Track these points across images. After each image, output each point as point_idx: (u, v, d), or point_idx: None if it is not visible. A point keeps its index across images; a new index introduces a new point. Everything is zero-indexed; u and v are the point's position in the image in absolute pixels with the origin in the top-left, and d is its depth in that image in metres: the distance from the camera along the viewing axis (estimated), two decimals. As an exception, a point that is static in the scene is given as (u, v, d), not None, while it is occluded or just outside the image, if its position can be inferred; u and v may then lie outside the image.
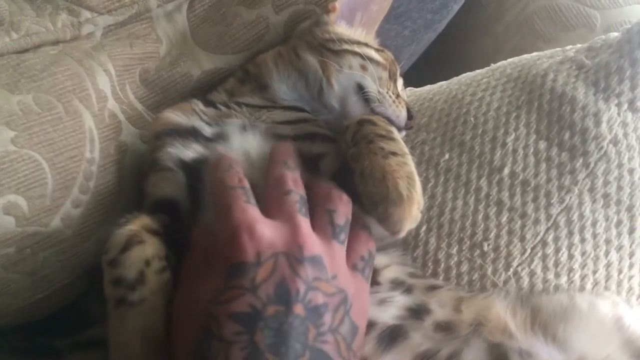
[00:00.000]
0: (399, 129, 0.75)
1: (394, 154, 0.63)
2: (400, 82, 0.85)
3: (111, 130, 0.77)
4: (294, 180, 0.61)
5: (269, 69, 0.79)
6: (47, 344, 0.68)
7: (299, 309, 0.51)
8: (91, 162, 0.73)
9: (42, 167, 0.69)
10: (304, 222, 0.57)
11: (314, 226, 0.58)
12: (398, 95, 0.76)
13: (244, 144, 0.71)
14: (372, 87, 0.75)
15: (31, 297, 0.70)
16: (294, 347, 0.49)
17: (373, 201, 0.60)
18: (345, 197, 0.62)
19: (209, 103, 0.77)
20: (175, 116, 0.74)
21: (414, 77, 1.07)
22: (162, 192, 0.69)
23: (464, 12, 1.29)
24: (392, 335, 0.63)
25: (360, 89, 0.75)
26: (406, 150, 0.66)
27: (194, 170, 0.69)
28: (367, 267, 0.61)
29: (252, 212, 0.56)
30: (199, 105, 0.76)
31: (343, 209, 0.61)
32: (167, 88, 0.84)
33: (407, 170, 0.62)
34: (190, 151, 0.71)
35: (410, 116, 0.76)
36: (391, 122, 0.73)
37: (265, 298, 0.51)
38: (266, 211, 0.58)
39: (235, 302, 0.51)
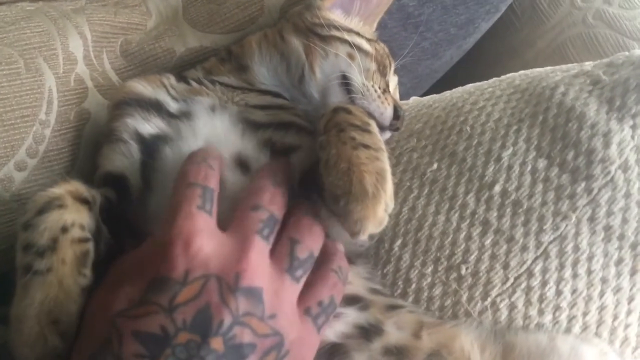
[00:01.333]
0: (383, 128, 0.68)
1: (366, 146, 0.56)
2: (394, 79, 0.78)
3: (75, 95, 0.72)
4: (271, 195, 0.54)
5: (252, 49, 0.73)
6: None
7: (216, 343, 0.44)
8: (45, 125, 0.68)
9: (-13, 121, 0.64)
10: (258, 246, 0.50)
11: (272, 253, 0.52)
12: (385, 91, 0.69)
13: (208, 125, 0.65)
14: (356, 78, 0.68)
15: (-43, 262, 0.64)
16: None
17: (334, 194, 0.53)
18: (316, 229, 0.55)
19: (181, 78, 0.71)
20: (139, 86, 0.68)
21: None
22: (112, 166, 0.64)
23: (495, 34, 1.23)
24: (331, 354, 0.55)
25: (344, 79, 0.68)
26: (382, 145, 0.58)
27: (150, 147, 0.63)
28: (323, 315, 0.53)
29: (198, 221, 0.49)
30: (170, 79, 0.71)
31: (309, 241, 0.54)
32: (147, 62, 0.79)
33: (377, 165, 0.54)
34: (149, 125, 0.65)
35: (397, 116, 0.68)
36: (373, 118, 0.66)
37: (180, 322, 0.45)
38: (228, 221, 0.52)
39: (146, 319, 0.45)
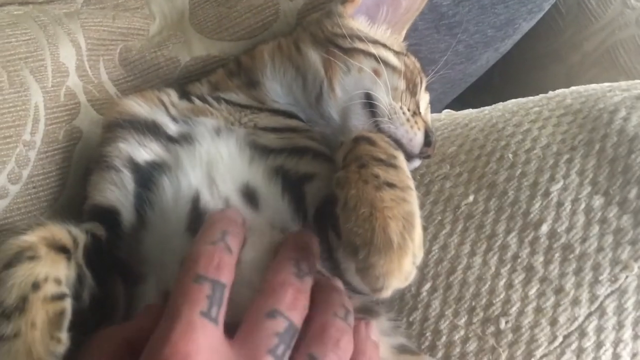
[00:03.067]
0: (411, 157, 0.60)
1: (391, 185, 0.48)
2: (425, 97, 0.69)
3: (65, 112, 0.65)
4: (294, 294, 0.47)
5: (263, 61, 0.66)
6: None
7: None
8: (29, 146, 0.61)
9: (-37, 144, 0.57)
10: None
11: None
12: (415, 113, 0.60)
13: (211, 151, 0.58)
14: (382, 98, 0.59)
15: None
16: None
17: (354, 244, 0.45)
18: (344, 343, 0.47)
19: (184, 94, 0.64)
20: (135, 105, 0.61)
21: (472, 106, 0.92)
22: (102, 197, 0.57)
23: (536, 35, 1.14)
24: None
25: (368, 98, 0.60)
26: (410, 183, 0.50)
27: (145, 176, 0.57)
28: None
29: (199, 336, 0.42)
30: (171, 95, 0.63)
31: (333, 358, 0.46)
32: (149, 72, 0.72)
33: (405, 209, 0.46)
34: (145, 151, 0.58)
35: (428, 142, 0.60)
36: (400, 145, 0.58)
37: None
38: (239, 325, 0.46)
39: None
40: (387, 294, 0.45)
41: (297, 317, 0.46)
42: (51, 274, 0.46)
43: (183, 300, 0.43)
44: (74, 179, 0.65)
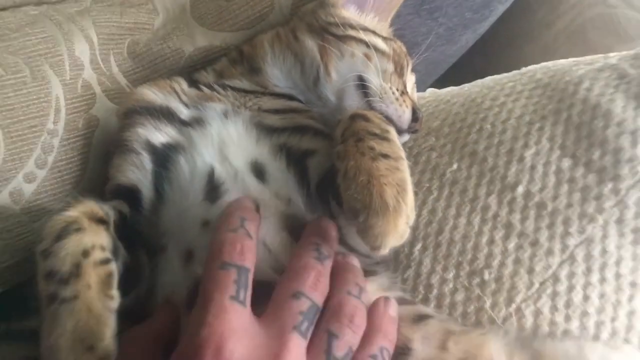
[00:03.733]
0: (401, 131, 0.66)
1: (385, 156, 0.54)
2: (411, 78, 0.76)
3: (82, 102, 0.70)
4: (315, 276, 0.52)
5: (264, 50, 0.71)
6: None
7: None
8: (53, 134, 0.67)
9: (-6, 134, 0.63)
10: (295, 347, 0.48)
11: (309, 345, 0.49)
12: (403, 92, 0.67)
13: (221, 132, 0.64)
14: (374, 80, 0.66)
15: (-33, 276, 0.64)
16: None
17: (354, 208, 0.51)
18: (357, 319, 0.52)
19: (192, 82, 0.70)
20: (150, 93, 0.66)
21: (452, 84, 0.98)
22: (125, 178, 0.62)
23: (511, 16, 1.20)
24: None
25: (361, 80, 0.66)
26: (402, 154, 0.56)
27: (162, 156, 0.62)
28: None
29: (231, 318, 0.47)
30: (181, 84, 0.69)
31: (349, 335, 0.51)
32: (156, 63, 0.78)
33: (398, 176, 0.53)
34: (161, 134, 0.64)
35: (415, 118, 0.66)
36: (391, 121, 0.64)
37: None
38: (265, 304, 0.50)
39: None
40: (385, 251, 0.51)
41: (318, 297, 0.51)
42: (97, 242, 0.52)
43: (213, 287, 0.48)
44: (93, 163, 0.70)
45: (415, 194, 0.67)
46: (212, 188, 0.60)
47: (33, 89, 0.66)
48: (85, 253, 0.50)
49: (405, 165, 0.55)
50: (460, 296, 0.63)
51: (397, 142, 0.58)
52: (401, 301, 0.61)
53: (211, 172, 0.60)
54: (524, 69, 0.76)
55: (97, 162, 0.70)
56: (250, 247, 0.51)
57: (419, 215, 0.67)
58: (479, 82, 0.79)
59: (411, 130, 0.67)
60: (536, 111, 0.67)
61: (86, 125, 0.70)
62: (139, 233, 0.60)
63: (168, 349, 0.49)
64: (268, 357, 0.46)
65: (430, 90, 0.88)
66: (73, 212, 0.53)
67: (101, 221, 0.54)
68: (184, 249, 0.58)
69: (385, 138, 0.57)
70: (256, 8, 0.78)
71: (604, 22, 1.07)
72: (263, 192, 0.60)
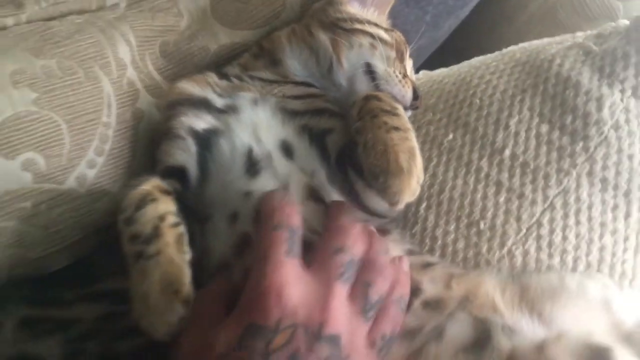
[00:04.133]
0: (405, 108, 0.77)
1: (397, 128, 0.65)
2: (409, 63, 0.87)
3: (128, 97, 0.80)
4: (354, 236, 0.60)
5: (282, 45, 0.82)
6: (56, 294, 0.73)
7: None
8: (107, 126, 0.77)
9: (60, 128, 0.73)
10: (339, 293, 0.56)
11: (348, 294, 0.58)
12: (405, 75, 0.78)
13: (253, 117, 0.74)
14: (380, 66, 0.77)
15: (44, 250, 0.74)
16: None
17: (374, 173, 0.62)
18: (387, 271, 0.61)
19: (222, 76, 0.80)
20: (189, 87, 0.77)
21: (437, 67, 1.08)
22: (173, 159, 0.72)
23: (490, 1, 1.30)
24: None
25: (368, 67, 0.77)
26: (409, 126, 0.67)
27: (204, 140, 0.72)
28: (385, 347, 0.59)
29: (287, 270, 0.55)
30: (213, 77, 0.79)
31: (381, 284, 0.59)
32: (185, 60, 0.87)
33: (408, 145, 0.64)
34: (201, 121, 0.74)
35: (415, 96, 0.77)
36: (396, 100, 0.75)
37: None
38: (312, 259, 0.58)
39: None
40: (401, 206, 0.62)
41: (357, 252, 0.59)
42: (168, 209, 0.63)
43: (269, 245, 0.56)
44: (141, 150, 0.80)
45: (419, 160, 0.80)
46: (251, 164, 0.70)
47: (88, 87, 0.76)
48: (161, 218, 0.61)
49: (413, 136, 0.66)
50: (460, 244, 0.74)
51: (405, 117, 0.69)
52: (410, 252, 0.72)
53: (249, 151, 0.70)
54: (504, 50, 0.87)
55: (143, 149, 0.81)
56: (296, 212, 0.60)
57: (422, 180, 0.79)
58: (465, 63, 0.90)
59: (413, 107, 0.78)
60: (517, 86, 0.79)
61: (133, 117, 0.80)
62: (187, 207, 0.70)
63: (228, 307, 0.57)
64: (318, 301, 0.54)
65: (422, 72, 0.99)
66: (147, 186, 0.64)
67: (167, 192, 0.65)
68: (229, 213, 0.68)
69: (395, 114, 0.68)
70: (270, 7, 0.88)
71: (572, 3, 1.18)
72: (291, 168, 0.70)
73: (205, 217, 0.70)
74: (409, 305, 0.63)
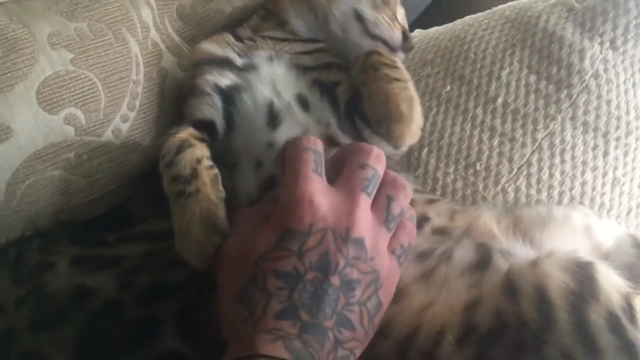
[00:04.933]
0: (395, 49, 0.84)
1: (397, 79, 0.73)
2: (400, 10, 0.93)
3: (154, 57, 0.87)
4: (377, 155, 0.63)
5: (286, 6, 0.88)
6: (99, 237, 0.81)
7: (335, 279, 0.56)
8: (137, 84, 0.84)
9: (96, 85, 0.80)
10: (364, 202, 0.60)
11: (372, 205, 0.62)
12: (394, 19, 0.85)
13: (271, 72, 0.81)
14: (367, 11, 0.84)
15: (87, 197, 0.81)
16: (325, 310, 0.55)
17: (378, 120, 0.70)
18: (408, 190, 0.65)
19: (237, 37, 0.87)
20: (211, 47, 0.83)
21: (426, 25, 1.15)
22: (201, 114, 0.79)
23: None
24: None
25: (357, 13, 0.84)
26: (408, 77, 0.75)
27: (228, 96, 0.79)
28: (404, 255, 0.64)
29: (316, 182, 0.60)
30: (230, 38, 0.86)
31: (402, 199, 0.64)
32: (201, 22, 0.94)
33: (408, 93, 0.71)
34: (225, 78, 0.80)
35: (405, 37, 0.84)
36: (385, 42, 0.83)
37: (308, 264, 0.56)
38: (337, 175, 0.63)
39: (282, 261, 0.56)
40: (404, 148, 0.71)
41: (380, 168, 0.63)
42: (204, 154, 0.70)
43: (299, 163, 0.61)
44: (167, 105, 0.87)
45: (419, 110, 0.88)
46: (273, 116, 0.77)
47: (117, 48, 0.83)
48: (199, 161, 0.68)
49: (411, 85, 0.73)
50: (459, 184, 0.83)
51: (404, 69, 0.77)
52: (416, 191, 0.78)
53: (271, 104, 0.77)
54: (494, 8, 0.95)
55: (169, 104, 0.87)
56: (319, 140, 0.65)
57: (423, 128, 0.86)
58: (459, 21, 0.98)
59: (404, 49, 0.84)
60: (507, 40, 0.87)
61: (159, 75, 0.87)
62: (216, 156, 0.76)
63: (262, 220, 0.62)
64: (344, 210, 0.59)
65: (417, 30, 1.07)
66: (183, 134, 0.71)
67: (202, 140, 0.73)
68: (254, 160, 0.75)
69: (395, 67, 0.75)
70: None
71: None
72: (308, 119, 0.77)
73: (233, 164, 0.77)
74: (421, 228, 0.71)
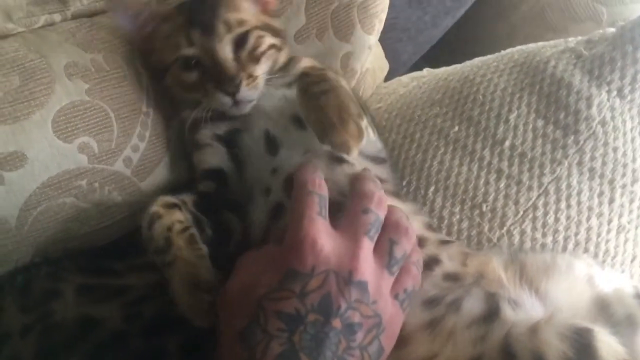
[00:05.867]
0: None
1: (325, 92, 0.73)
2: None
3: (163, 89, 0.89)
4: (378, 200, 0.65)
5: None
6: (108, 265, 0.81)
7: (336, 322, 0.57)
8: (147, 115, 0.86)
9: (109, 116, 0.81)
10: (366, 246, 0.61)
11: (374, 249, 0.63)
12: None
13: (263, 107, 0.83)
14: None
15: (96, 225, 0.82)
16: (325, 353, 0.55)
17: (320, 138, 0.71)
18: (410, 231, 0.66)
19: None
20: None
21: (433, 60, 1.17)
22: (207, 164, 0.83)
23: (482, 0, 1.40)
24: None
25: None
26: (337, 84, 0.75)
27: (228, 140, 0.83)
28: (407, 299, 0.64)
29: (319, 225, 0.61)
30: None
31: (404, 242, 0.64)
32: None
33: (337, 101, 0.71)
34: (221, 126, 0.84)
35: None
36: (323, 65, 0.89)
37: (309, 306, 0.57)
38: (340, 220, 0.64)
39: (283, 302, 0.57)
40: (354, 153, 0.69)
41: (381, 213, 0.64)
42: (174, 219, 0.71)
43: (304, 207, 0.62)
44: (175, 135, 0.89)
45: (426, 151, 0.89)
46: (270, 143, 0.80)
47: (130, 81, 0.85)
48: (169, 229, 0.69)
49: (341, 91, 0.73)
50: (465, 224, 0.83)
51: (334, 77, 0.78)
52: (429, 228, 0.79)
53: (267, 132, 0.80)
54: (503, 52, 0.96)
55: (176, 136, 0.89)
56: (324, 183, 0.66)
57: (430, 166, 0.88)
58: (468, 63, 0.99)
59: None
60: (516, 84, 0.88)
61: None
62: (228, 200, 0.79)
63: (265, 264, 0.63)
64: (347, 253, 0.60)
65: (426, 69, 1.08)
66: (155, 207, 0.73)
67: (174, 205, 0.74)
68: (263, 188, 0.77)
69: (322, 80, 0.76)
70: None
71: (559, 6, 1.29)
72: (305, 137, 0.78)
73: (249, 198, 0.79)
74: (431, 271, 0.71)
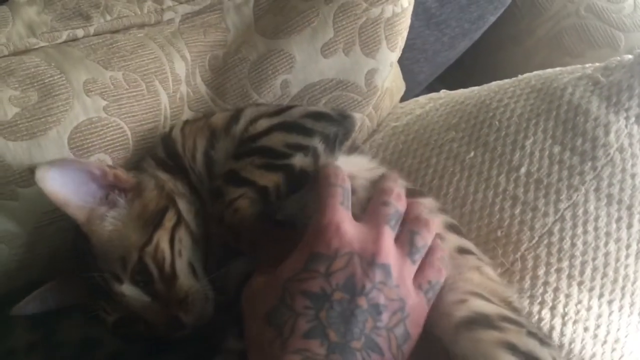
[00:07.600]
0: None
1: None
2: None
3: (179, 110, 0.90)
4: (398, 195, 0.68)
5: None
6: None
7: (362, 301, 0.58)
8: (164, 135, 0.86)
9: (126, 134, 0.82)
10: (387, 233, 0.64)
11: (396, 240, 0.65)
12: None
13: None
14: None
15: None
16: (353, 330, 0.57)
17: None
18: (431, 225, 0.68)
19: None
20: None
21: (448, 82, 1.18)
22: None
23: (498, 23, 1.41)
24: None
25: None
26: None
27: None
28: (432, 291, 0.65)
29: (342, 212, 0.64)
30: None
31: (425, 233, 0.67)
32: (228, 70, 0.95)
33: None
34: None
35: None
36: None
37: (335, 284, 0.59)
38: (363, 213, 0.67)
39: (309, 282, 0.59)
40: None
41: (401, 206, 0.67)
42: None
43: (328, 197, 0.65)
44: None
45: (442, 177, 0.89)
46: None
47: (149, 100, 0.85)
48: None
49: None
50: (479, 249, 0.84)
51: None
52: (451, 227, 0.79)
53: None
54: (520, 77, 0.96)
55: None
56: (346, 177, 0.69)
57: (446, 194, 0.87)
58: (485, 86, 0.99)
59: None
60: (532, 110, 0.87)
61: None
62: None
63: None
64: (369, 238, 0.62)
65: (443, 91, 1.08)
66: None
67: None
68: None
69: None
70: (305, 19, 0.95)
71: (577, 31, 1.29)
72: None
73: None
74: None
